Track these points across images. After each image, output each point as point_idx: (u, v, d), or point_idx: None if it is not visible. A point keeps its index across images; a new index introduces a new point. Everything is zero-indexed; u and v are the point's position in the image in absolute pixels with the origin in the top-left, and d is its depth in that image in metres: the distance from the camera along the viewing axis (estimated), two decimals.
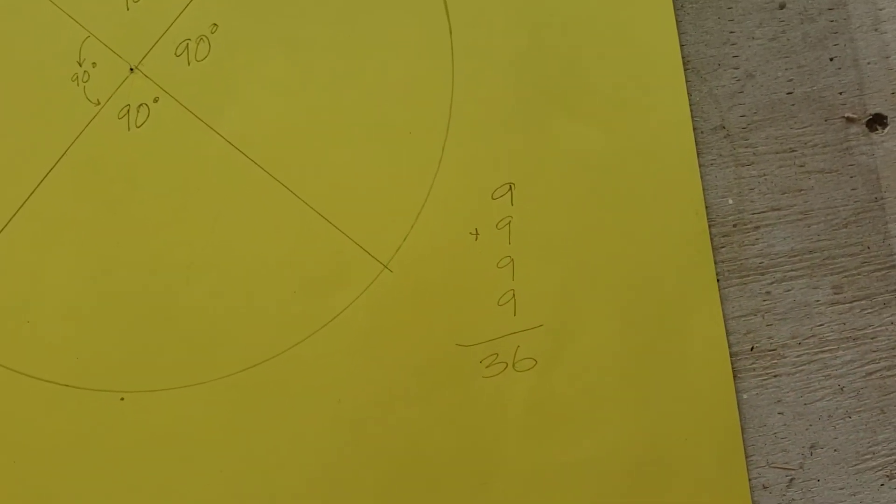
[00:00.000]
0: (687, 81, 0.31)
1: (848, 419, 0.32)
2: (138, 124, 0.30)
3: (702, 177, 0.31)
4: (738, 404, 0.31)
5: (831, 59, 0.31)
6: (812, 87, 0.31)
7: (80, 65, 0.30)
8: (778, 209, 0.31)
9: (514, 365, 0.31)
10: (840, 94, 0.31)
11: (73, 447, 0.30)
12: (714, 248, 0.31)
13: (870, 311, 0.32)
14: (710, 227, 0.31)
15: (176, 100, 0.30)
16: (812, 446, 0.31)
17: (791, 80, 0.31)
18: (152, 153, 0.30)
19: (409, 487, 0.30)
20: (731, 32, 0.31)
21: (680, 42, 0.31)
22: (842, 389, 0.32)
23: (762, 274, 0.31)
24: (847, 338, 0.32)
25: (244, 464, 0.30)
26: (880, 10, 0.32)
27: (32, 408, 0.30)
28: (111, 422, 0.30)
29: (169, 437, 0.30)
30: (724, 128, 0.31)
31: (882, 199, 0.32)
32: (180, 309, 0.30)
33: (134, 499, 0.30)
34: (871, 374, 0.32)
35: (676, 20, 0.31)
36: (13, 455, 0.29)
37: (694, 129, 0.31)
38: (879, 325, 0.32)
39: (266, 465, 0.30)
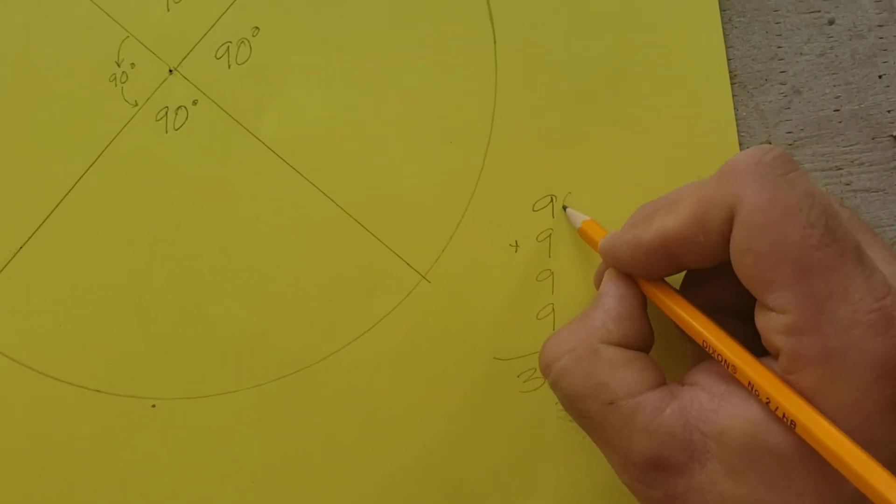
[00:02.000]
0: (734, 96, 0.31)
1: None
2: (176, 127, 0.30)
3: None
4: None
5: (880, 77, 0.31)
6: (860, 105, 0.31)
7: (119, 65, 0.30)
8: None
9: None
10: (888, 112, 0.31)
11: (102, 453, 0.29)
12: None
13: None
14: None
15: (215, 103, 0.30)
16: None
17: (839, 97, 0.31)
18: (189, 156, 0.30)
19: (443, 502, 0.30)
20: (779, 47, 0.31)
21: (727, 56, 0.31)
22: None
23: None
24: None
25: (276, 474, 0.29)
26: None
27: (61, 412, 0.29)
28: (141, 429, 0.29)
29: (200, 446, 0.29)
30: (770, 143, 0.31)
31: None
32: (214, 315, 0.30)
33: None
34: None
35: (724, 34, 0.31)
36: (40, 459, 0.29)
37: (740, 144, 0.31)
38: None
39: (298, 476, 0.29)
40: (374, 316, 0.30)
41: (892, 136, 0.31)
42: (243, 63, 0.30)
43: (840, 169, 0.31)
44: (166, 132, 0.30)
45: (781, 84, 0.31)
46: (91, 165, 0.30)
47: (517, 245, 0.30)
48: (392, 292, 0.30)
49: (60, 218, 0.30)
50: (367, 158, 0.30)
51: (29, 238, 0.29)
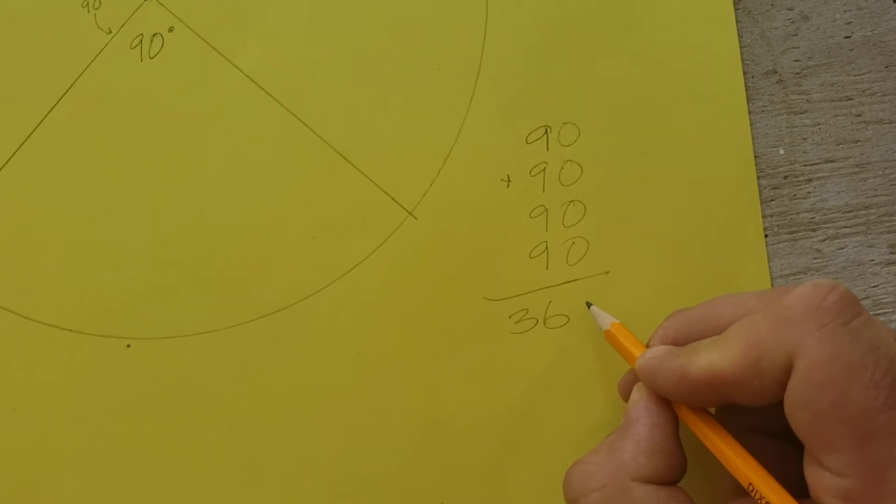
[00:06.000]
0: (738, 22, 0.29)
1: None
2: (152, 55, 0.29)
3: (751, 124, 0.29)
4: None
5: (895, 1, 0.29)
6: (872, 31, 0.29)
7: None
8: (832, 161, 0.29)
9: (545, 321, 0.29)
10: None
11: (76, 395, 0.28)
12: (762, 202, 0.29)
13: None
14: (758, 178, 0.29)
15: (192, 30, 0.29)
16: None
17: (850, 22, 0.29)
18: (166, 86, 0.29)
19: (430, 448, 0.28)
20: None
21: None
22: None
23: (813, 230, 0.29)
24: None
25: (255, 418, 0.28)
26: None
27: (34, 352, 0.28)
28: (116, 369, 0.28)
29: (176, 387, 0.28)
30: (776, 73, 0.29)
31: None
32: (192, 252, 0.28)
33: (137, 449, 0.28)
34: None
35: None
36: (13, 401, 0.28)
37: (744, 73, 0.29)
38: None
39: (278, 419, 0.28)
40: (358, 254, 0.29)
41: None
42: None
43: (851, 99, 0.29)
44: (141, 60, 0.29)
45: (789, 9, 0.29)
46: (62, 96, 0.28)
47: (509, 179, 0.29)
48: (377, 229, 0.29)
49: (30, 151, 0.28)
50: (352, 87, 0.29)
51: None
